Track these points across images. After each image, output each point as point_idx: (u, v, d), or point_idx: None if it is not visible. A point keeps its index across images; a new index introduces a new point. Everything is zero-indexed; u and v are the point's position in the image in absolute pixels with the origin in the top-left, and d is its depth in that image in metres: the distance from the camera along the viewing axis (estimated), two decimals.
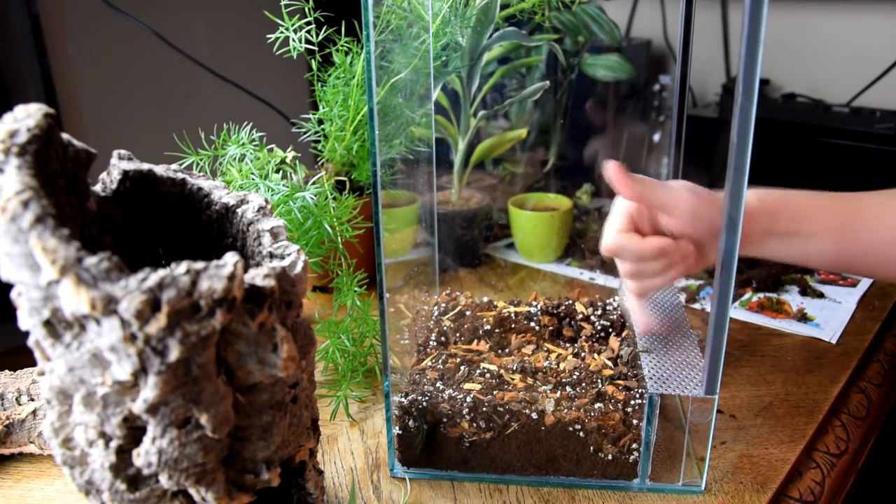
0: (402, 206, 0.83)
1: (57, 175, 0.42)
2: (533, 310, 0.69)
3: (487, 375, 0.60)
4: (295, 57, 0.75)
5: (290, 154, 0.77)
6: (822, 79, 1.04)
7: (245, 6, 1.16)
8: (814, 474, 0.61)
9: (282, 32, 0.74)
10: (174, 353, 0.34)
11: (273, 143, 0.78)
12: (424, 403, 0.57)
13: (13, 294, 0.36)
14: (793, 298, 0.88)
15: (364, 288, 0.72)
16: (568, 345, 0.66)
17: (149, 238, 0.51)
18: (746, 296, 0.88)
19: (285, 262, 0.42)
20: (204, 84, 1.07)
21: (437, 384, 0.59)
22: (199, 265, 0.35)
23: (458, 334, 0.66)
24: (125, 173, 0.48)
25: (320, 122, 0.82)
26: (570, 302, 0.70)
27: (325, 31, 0.75)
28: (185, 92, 1.13)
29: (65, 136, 0.44)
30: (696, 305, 0.86)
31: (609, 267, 0.96)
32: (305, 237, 0.71)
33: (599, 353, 0.64)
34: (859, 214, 0.60)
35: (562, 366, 0.62)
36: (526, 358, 0.63)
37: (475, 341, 0.66)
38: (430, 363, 0.62)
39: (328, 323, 0.71)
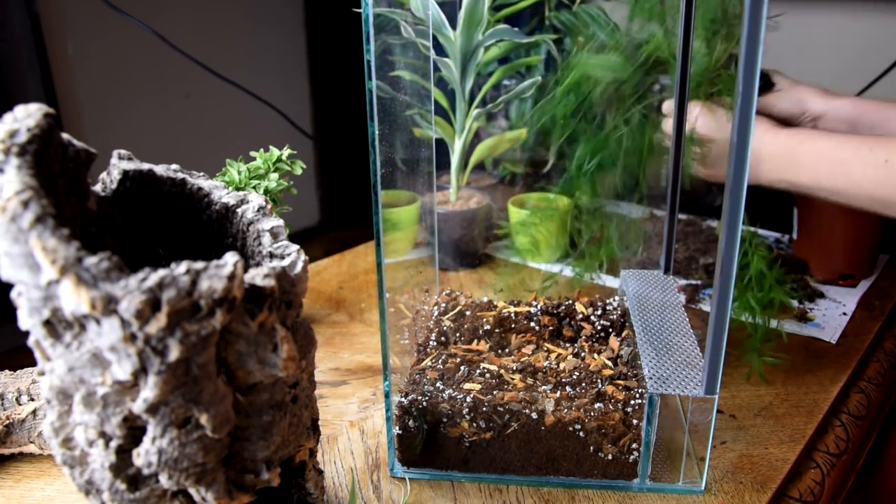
0: (402, 206, 0.83)
1: (57, 175, 0.42)
2: (533, 310, 0.69)
3: (487, 375, 0.60)
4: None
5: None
6: (822, 79, 1.04)
7: (245, 6, 1.16)
8: (814, 474, 0.61)
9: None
10: (174, 353, 0.34)
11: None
12: (424, 403, 0.57)
13: (13, 294, 0.36)
14: (793, 298, 0.88)
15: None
16: (568, 345, 0.66)
17: (149, 238, 0.51)
18: None
19: (285, 262, 0.42)
20: (204, 84, 1.07)
21: (437, 384, 0.59)
22: (199, 265, 0.35)
23: (458, 334, 0.66)
24: (125, 173, 0.49)
25: None
26: (570, 302, 0.70)
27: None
28: (185, 92, 1.13)
29: (65, 136, 0.44)
30: (696, 305, 0.86)
31: (609, 267, 0.96)
32: None
33: (599, 353, 0.64)
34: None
35: (562, 366, 0.62)
36: (526, 358, 0.63)
37: (475, 341, 0.66)
38: (430, 363, 0.62)
39: None
